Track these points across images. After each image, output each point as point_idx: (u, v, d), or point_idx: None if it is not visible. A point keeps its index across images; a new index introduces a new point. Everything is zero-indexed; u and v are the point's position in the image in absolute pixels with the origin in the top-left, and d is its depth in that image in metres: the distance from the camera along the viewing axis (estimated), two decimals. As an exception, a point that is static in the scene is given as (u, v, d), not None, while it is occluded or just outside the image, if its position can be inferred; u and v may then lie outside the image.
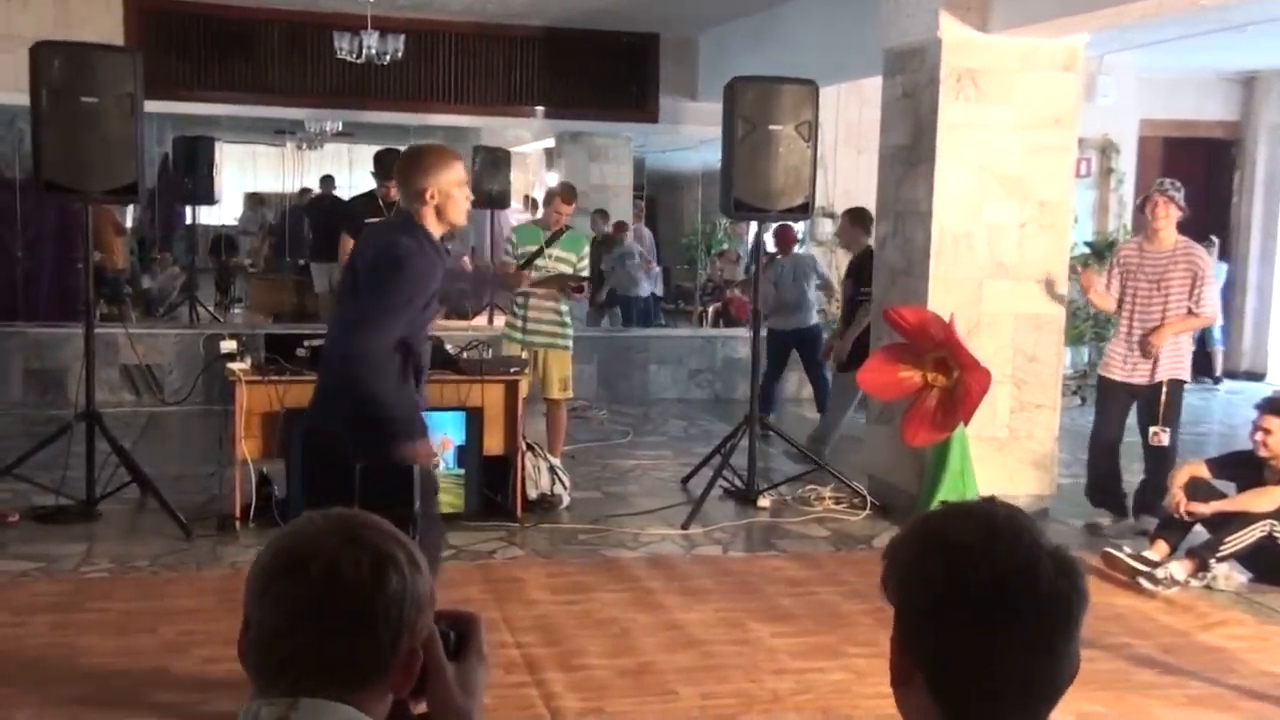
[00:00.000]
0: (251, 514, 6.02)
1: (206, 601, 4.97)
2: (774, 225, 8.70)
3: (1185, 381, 6.52)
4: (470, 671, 1.46)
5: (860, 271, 7.79)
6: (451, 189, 3.94)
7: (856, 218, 8.16)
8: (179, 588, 5.25)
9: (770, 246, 8.91)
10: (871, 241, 7.69)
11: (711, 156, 11.83)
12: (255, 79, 10.40)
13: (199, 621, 4.74)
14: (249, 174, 19.84)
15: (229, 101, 10.67)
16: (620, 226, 13.31)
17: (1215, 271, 6.42)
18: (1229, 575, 5.55)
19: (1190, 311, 6.35)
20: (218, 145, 12.82)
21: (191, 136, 12.68)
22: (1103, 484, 6.65)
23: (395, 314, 3.81)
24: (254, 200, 18.31)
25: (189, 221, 14.24)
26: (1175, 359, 6.42)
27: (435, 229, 3.95)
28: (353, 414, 3.83)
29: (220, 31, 10.23)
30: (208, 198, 12.98)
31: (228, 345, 6.23)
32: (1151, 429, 6.39)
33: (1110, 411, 6.60)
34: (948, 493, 5.90)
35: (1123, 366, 6.47)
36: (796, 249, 9.38)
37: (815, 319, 9.05)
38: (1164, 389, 6.38)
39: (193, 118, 12.06)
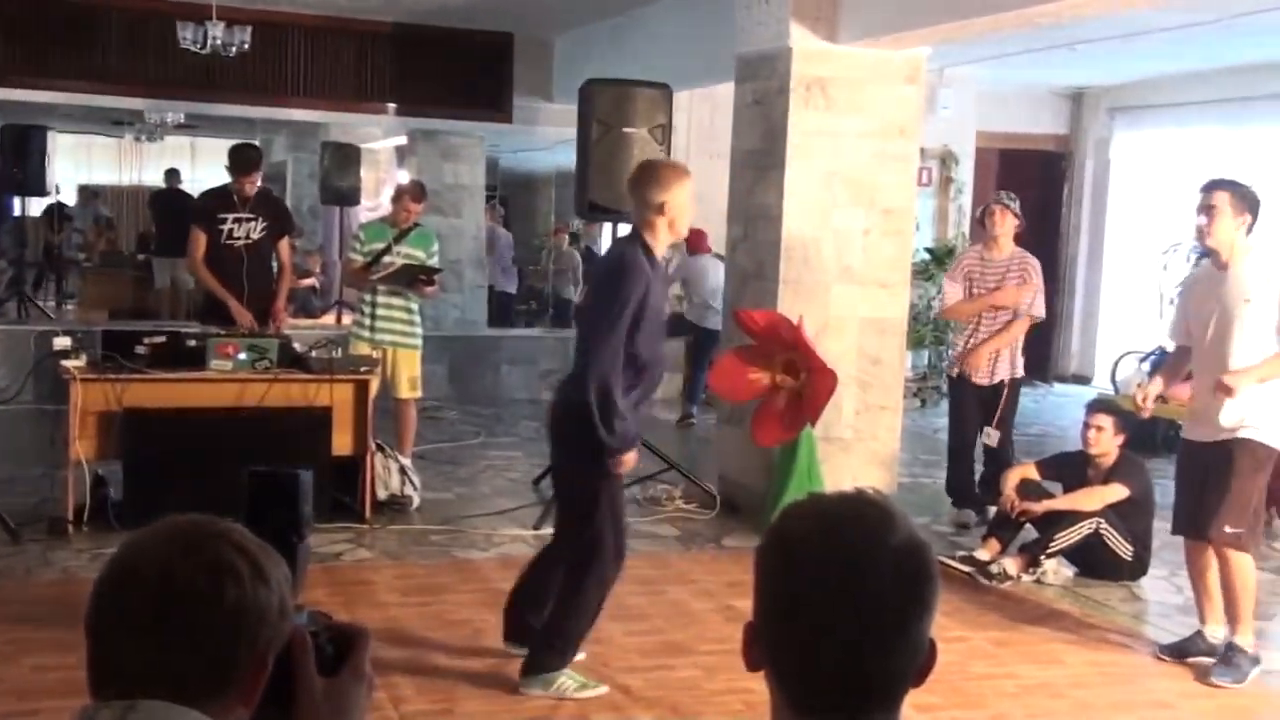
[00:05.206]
0: (86, 516, 5.80)
1: (36, 608, 4.78)
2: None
3: (1022, 379, 6.85)
4: (342, 688, 1.41)
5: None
6: (685, 202, 4.12)
7: None
8: (6, 593, 5.04)
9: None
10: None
11: (565, 158, 11.86)
12: (92, 67, 10.01)
13: (28, 629, 4.55)
14: (84, 165, 19.08)
15: (63, 89, 10.25)
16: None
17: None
18: (1057, 570, 5.81)
19: (1018, 315, 6.63)
20: (50, 135, 12.31)
21: (22, 125, 12.15)
22: (961, 483, 6.89)
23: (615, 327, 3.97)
24: (87, 193, 17.63)
25: (18, 214, 13.65)
26: (1014, 359, 6.72)
27: (664, 241, 4.16)
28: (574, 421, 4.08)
29: (55, 16, 9.80)
30: (39, 189, 12.46)
31: (61, 342, 5.99)
32: (985, 429, 6.67)
33: (964, 411, 6.84)
34: (794, 492, 6.01)
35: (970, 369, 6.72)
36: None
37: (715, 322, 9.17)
38: (1005, 387, 6.67)
39: (23, 105, 11.54)
